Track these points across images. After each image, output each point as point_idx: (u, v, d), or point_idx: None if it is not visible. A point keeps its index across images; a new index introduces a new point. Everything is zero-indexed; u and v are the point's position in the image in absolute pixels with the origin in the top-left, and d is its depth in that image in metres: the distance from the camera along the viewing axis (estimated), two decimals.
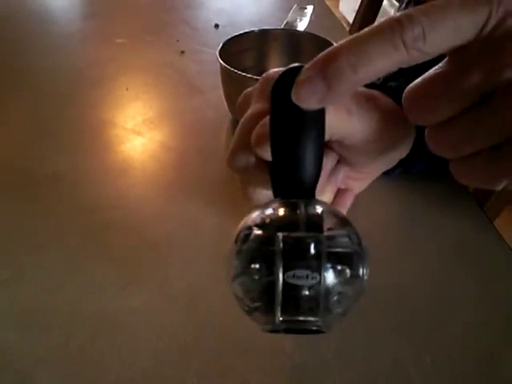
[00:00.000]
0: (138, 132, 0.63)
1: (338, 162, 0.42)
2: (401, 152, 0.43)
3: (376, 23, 0.25)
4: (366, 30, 0.25)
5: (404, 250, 0.47)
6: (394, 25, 0.24)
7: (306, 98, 0.26)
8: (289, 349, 0.39)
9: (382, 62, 0.25)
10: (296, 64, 0.28)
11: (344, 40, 0.25)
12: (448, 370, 0.38)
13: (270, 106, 0.30)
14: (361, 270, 0.27)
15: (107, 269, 0.45)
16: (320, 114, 0.29)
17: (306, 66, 0.26)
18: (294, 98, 0.26)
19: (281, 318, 0.27)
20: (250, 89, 0.41)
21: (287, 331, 0.28)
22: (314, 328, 0.28)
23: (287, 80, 0.28)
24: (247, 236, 0.28)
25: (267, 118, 0.35)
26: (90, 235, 0.49)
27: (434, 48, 0.25)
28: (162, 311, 0.42)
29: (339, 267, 0.26)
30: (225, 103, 0.64)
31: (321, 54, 0.26)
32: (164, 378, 0.37)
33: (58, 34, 0.88)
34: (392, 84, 0.45)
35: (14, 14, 0.93)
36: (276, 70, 0.40)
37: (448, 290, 0.43)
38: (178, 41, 0.84)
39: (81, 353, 0.39)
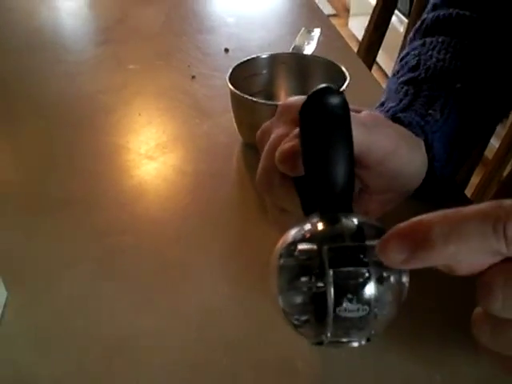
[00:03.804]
0: (151, 157, 0.64)
1: (360, 190, 0.43)
2: (415, 176, 0.44)
3: (483, 204, 0.24)
4: (468, 209, 0.24)
5: None
6: (502, 213, 0.23)
7: (391, 254, 0.25)
8: (301, 368, 0.40)
9: (476, 246, 0.23)
10: (324, 85, 0.30)
11: (437, 213, 0.25)
12: None
13: (300, 124, 0.31)
14: (404, 277, 0.28)
15: (120, 292, 0.46)
16: (348, 127, 0.30)
17: (396, 227, 0.26)
18: (378, 250, 0.26)
19: (329, 340, 0.28)
20: (267, 123, 0.43)
21: (333, 346, 0.29)
22: (360, 343, 0.28)
23: (315, 99, 0.30)
24: (292, 251, 0.28)
25: (289, 138, 0.36)
26: (104, 259, 0.50)
27: None
28: (175, 332, 0.43)
29: (385, 275, 0.27)
30: (235, 127, 0.65)
31: (411, 221, 0.25)
32: None
33: (71, 61, 0.89)
34: (401, 115, 0.46)
35: (29, 43, 0.95)
36: (294, 98, 0.42)
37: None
38: (188, 66, 0.85)
39: (96, 375, 0.40)
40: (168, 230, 0.53)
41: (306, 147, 0.31)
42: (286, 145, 0.36)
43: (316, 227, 0.29)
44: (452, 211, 0.24)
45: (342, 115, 0.30)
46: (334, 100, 0.30)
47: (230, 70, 0.63)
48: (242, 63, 0.65)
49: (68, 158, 0.64)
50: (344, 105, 0.30)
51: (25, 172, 0.62)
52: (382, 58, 1.69)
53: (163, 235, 0.52)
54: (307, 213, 0.32)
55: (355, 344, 0.29)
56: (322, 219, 0.29)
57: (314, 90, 0.30)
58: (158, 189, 0.60)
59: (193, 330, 0.43)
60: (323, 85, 0.30)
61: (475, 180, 0.97)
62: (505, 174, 0.93)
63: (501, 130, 0.96)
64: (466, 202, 0.53)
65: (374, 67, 1.14)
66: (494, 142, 0.99)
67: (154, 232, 0.53)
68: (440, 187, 0.49)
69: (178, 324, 0.43)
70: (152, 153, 0.65)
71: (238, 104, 0.62)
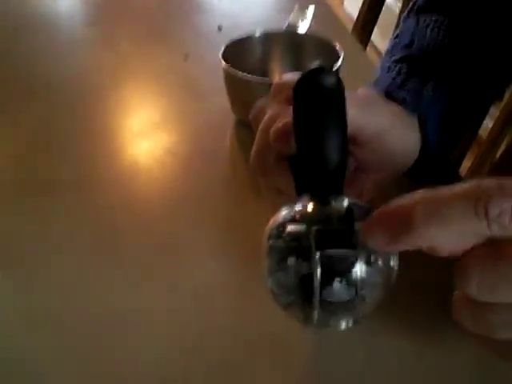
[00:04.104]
0: (145, 137, 0.64)
1: (355, 169, 0.43)
2: (409, 154, 0.44)
3: (461, 185, 0.24)
4: (448, 190, 0.24)
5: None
6: (482, 193, 0.23)
7: (374, 238, 0.25)
8: (295, 348, 0.40)
9: (458, 227, 0.23)
10: (316, 65, 0.30)
11: (418, 194, 0.25)
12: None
13: (294, 104, 0.31)
14: (392, 262, 0.28)
15: (117, 270, 0.46)
16: (342, 108, 0.30)
17: (379, 211, 0.26)
18: (362, 234, 0.26)
19: (316, 322, 0.28)
20: (261, 101, 0.42)
21: (321, 327, 0.29)
22: (347, 325, 0.29)
23: (309, 79, 0.30)
24: (281, 232, 0.28)
25: (283, 116, 0.36)
26: (100, 239, 0.50)
27: None
28: (170, 310, 0.43)
29: (372, 258, 0.27)
30: (229, 106, 0.65)
31: (393, 204, 0.25)
32: (171, 374, 0.38)
33: (63, 41, 0.89)
34: (394, 93, 0.46)
35: (20, 24, 0.94)
36: (288, 75, 0.42)
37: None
38: (181, 44, 0.85)
39: (91, 351, 0.40)
40: (161, 209, 0.53)
41: (298, 127, 0.31)
42: (280, 123, 0.36)
43: (305, 209, 0.29)
44: (433, 192, 0.24)
45: (337, 96, 0.30)
46: (329, 80, 0.29)
47: (223, 48, 0.62)
48: (235, 41, 0.65)
49: (59, 139, 0.64)
50: (339, 85, 0.30)
51: (15, 155, 0.62)
52: (376, 37, 1.68)
53: (156, 214, 0.52)
54: (300, 193, 0.32)
55: (342, 326, 0.29)
56: (312, 201, 0.29)
57: (308, 69, 0.30)
58: (150, 169, 0.59)
59: (186, 306, 0.43)
60: (317, 64, 0.30)
61: (469, 161, 0.97)
62: (498, 154, 0.93)
63: (495, 111, 0.96)
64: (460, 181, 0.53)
65: (369, 47, 1.14)
66: (488, 123, 0.99)
67: (147, 211, 0.53)
68: (433, 166, 0.49)
69: (171, 300, 0.43)
70: (145, 133, 0.65)
71: (231, 81, 0.62)
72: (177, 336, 0.41)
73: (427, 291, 0.43)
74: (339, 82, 0.30)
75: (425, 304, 0.42)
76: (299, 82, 0.30)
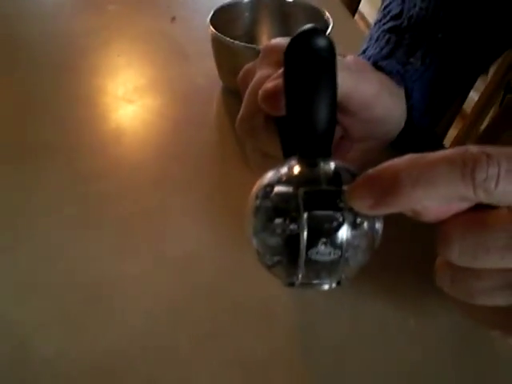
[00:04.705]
0: (130, 100, 0.63)
1: (341, 137, 0.43)
2: (395, 124, 0.44)
3: (449, 150, 0.24)
4: (435, 154, 0.24)
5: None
6: (469, 158, 0.23)
7: (360, 200, 0.25)
8: (281, 312, 0.41)
9: (444, 191, 0.23)
10: (310, 25, 0.29)
11: (404, 158, 0.25)
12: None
13: (285, 64, 0.31)
14: (376, 225, 0.28)
15: (103, 237, 0.46)
16: (333, 71, 0.30)
17: (365, 173, 0.26)
18: (347, 196, 0.26)
19: (300, 281, 0.28)
20: (250, 64, 0.42)
21: (304, 287, 0.29)
22: (331, 286, 0.29)
23: (301, 40, 0.29)
24: (268, 193, 0.28)
25: (273, 77, 0.36)
26: (85, 204, 0.49)
27: (504, 197, 0.23)
28: (157, 277, 0.43)
29: (358, 221, 0.27)
30: (216, 70, 0.64)
31: (380, 167, 0.25)
32: (157, 340, 0.39)
33: (48, 2, 0.87)
34: (382, 63, 0.46)
35: None
36: (277, 39, 0.41)
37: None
38: (168, 7, 0.83)
39: (78, 318, 0.40)
40: (147, 174, 0.53)
41: (289, 88, 0.30)
42: (269, 84, 0.36)
43: (293, 170, 0.28)
44: (419, 156, 0.24)
45: (329, 58, 0.29)
46: (321, 42, 0.29)
47: (212, 12, 0.61)
48: (223, 6, 0.64)
49: (44, 102, 0.63)
50: (331, 47, 0.30)
51: (1, 118, 0.61)
52: (365, 7, 1.67)
53: (142, 179, 0.52)
54: (287, 156, 0.32)
55: (326, 287, 0.29)
56: (300, 162, 0.29)
57: (301, 30, 0.29)
58: (136, 132, 0.59)
59: (172, 274, 0.43)
60: (309, 25, 0.29)
61: (453, 133, 0.98)
62: (482, 128, 0.94)
63: (480, 84, 0.97)
64: None
65: (357, 16, 1.13)
66: (474, 96, 0.99)
67: (133, 176, 0.53)
68: (418, 137, 0.49)
69: (159, 268, 0.44)
70: (130, 96, 0.64)
71: (218, 47, 0.61)
72: (164, 298, 0.41)
73: (413, 256, 0.44)
74: (331, 42, 0.30)
75: (409, 271, 0.43)
76: (291, 41, 0.30)
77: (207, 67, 0.66)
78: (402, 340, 0.39)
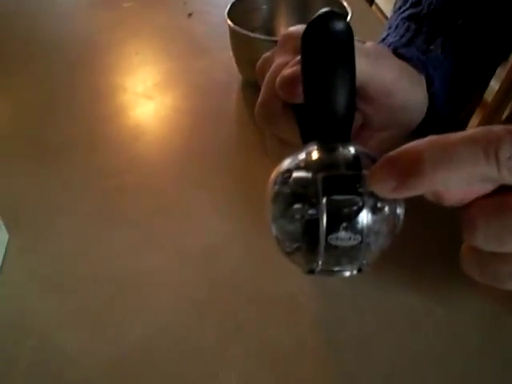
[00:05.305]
0: (149, 96, 0.64)
1: (361, 126, 0.43)
2: (416, 112, 0.44)
3: (471, 130, 0.23)
4: (457, 135, 0.23)
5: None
6: (493, 137, 0.22)
7: (381, 183, 0.25)
8: (305, 304, 0.40)
9: (467, 171, 0.23)
10: (327, 9, 0.29)
11: (426, 139, 0.24)
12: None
13: (302, 48, 0.30)
14: (398, 209, 0.28)
15: (123, 232, 0.46)
16: (352, 54, 0.29)
17: (385, 155, 0.25)
18: (368, 179, 0.25)
19: (320, 268, 0.28)
20: (268, 53, 0.42)
21: (325, 274, 0.29)
22: (352, 273, 0.29)
23: (319, 23, 0.29)
24: (286, 178, 0.28)
25: (290, 64, 0.36)
26: (106, 200, 0.50)
27: None
28: (179, 271, 0.43)
29: (379, 205, 0.26)
30: (234, 64, 0.64)
31: (401, 149, 0.25)
32: (182, 334, 0.39)
33: (66, 1, 0.87)
34: (402, 51, 0.45)
35: None
36: (294, 27, 0.41)
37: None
38: (185, 3, 0.83)
39: (101, 314, 0.40)
40: (168, 169, 0.53)
41: (307, 73, 0.30)
42: (286, 71, 0.35)
43: (312, 155, 0.28)
44: (441, 137, 0.24)
45: (346, 41, 0.29)
46: (339, 25, 0.29)
47: (229, 6, 0.61)
48: None
49: (65, 100, 0.63)
50: (348, 31, 0.29)
51: (22, 116, 0.61)
52: (381, 0, 1.65)
53: (163, 174, 0.52)
54: (306, 142, 0.31)
55: (347, 273, 0.29)
56: (319, 148, 0.28)
57: (318, 13, 0.29)
58: (156, 128, 0.59)
59: (195, 268, 0.43)
60: (327, 9, 0.29)
61: (474, 122, 0.96)
62: (503, 117, 0.92)
63: (501, 72, 0.95)
64: None
65: (374, 8, 1.12)
66: (494, 85, 0.98)
67: (154, 172, 0.53)
68: (441, 126, 0.48)
69: (181, 262, 0.44)
70: (149, 92, 0.64)
71: (236, 40, 0.61)
72: (188, 292, 0.41)
73: (438, 244, 0.44)
74: (349, 25, 0.29)
75: (435, 258, 0.43)
76: (309, 25, 0.29)
77: (226, 61, 0.66)
78: (429, 329, 0.38)
